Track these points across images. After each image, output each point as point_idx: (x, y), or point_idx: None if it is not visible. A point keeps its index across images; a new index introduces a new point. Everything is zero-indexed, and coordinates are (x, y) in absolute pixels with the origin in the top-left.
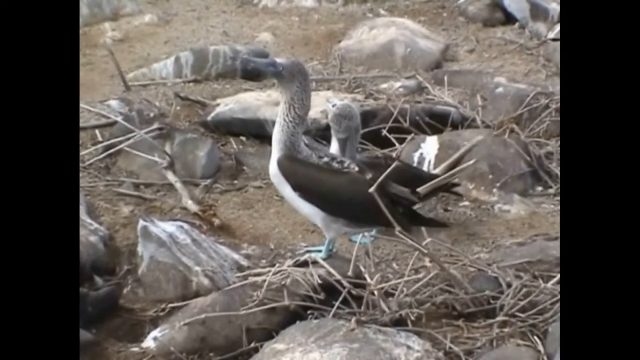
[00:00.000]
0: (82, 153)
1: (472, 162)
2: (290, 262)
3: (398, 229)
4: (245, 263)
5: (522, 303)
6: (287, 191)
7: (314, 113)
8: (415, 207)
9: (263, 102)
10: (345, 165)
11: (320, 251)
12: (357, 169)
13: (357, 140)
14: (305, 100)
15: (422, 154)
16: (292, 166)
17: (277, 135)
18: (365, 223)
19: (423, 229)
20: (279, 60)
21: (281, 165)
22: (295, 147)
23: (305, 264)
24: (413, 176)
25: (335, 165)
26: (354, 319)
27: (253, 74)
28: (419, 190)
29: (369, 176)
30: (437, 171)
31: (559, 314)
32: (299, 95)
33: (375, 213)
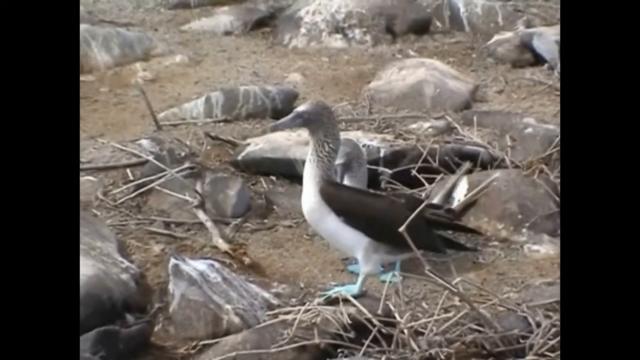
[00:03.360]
0: (113, 192)
1: (494, 176)
2: (320, 300)
3: (427, 267)
4: (275, 301)
5: (551, 342)
6: (328, 222)
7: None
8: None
9: (293, 141)
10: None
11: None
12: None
13: (363, 175)
14: (336, 134)
15: (451, 194)
16: (336, 191)
17: (311, 172)
18: (406, 247)
19: (453, 268)
20: (300, 109)
21: (324, 191)
22: (331, 180)
23: (335, 302)
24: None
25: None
26: (383, 358)
27: (283, 114)
28: (454, 207)
29: (402, 201)
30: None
31: None
32: (330, 130)
33: (416, 235)
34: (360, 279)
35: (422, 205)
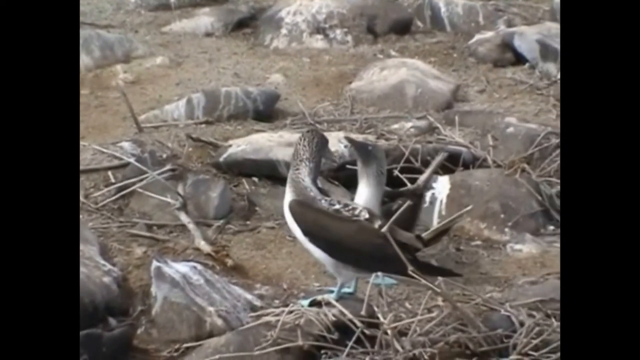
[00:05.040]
0: (94, 194)
1: (469, 207)
2: (303, 303)
3: (411, 268)
4: (258, 303)
5: (534, 341)
6: (298, 234)
7: None
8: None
9: (275, 142)
10: (356, 212)
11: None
12: (367, 216)
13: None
14: (311, 161)
15: (433, 194)
16: (301, 211)
17: (290, 177)
18: (373, 270)
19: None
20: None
21: (292, 209)
22: (305, 191)
23: (318, 304)
24: None
25: (345, 212)
26: (367, 359)
27: (264, 115)
28: (423, 235)
29: (378, 224)
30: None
31: None
32: (307, 155)
33: (382, 260)
34: (337, 287)
35: (397, 213)
